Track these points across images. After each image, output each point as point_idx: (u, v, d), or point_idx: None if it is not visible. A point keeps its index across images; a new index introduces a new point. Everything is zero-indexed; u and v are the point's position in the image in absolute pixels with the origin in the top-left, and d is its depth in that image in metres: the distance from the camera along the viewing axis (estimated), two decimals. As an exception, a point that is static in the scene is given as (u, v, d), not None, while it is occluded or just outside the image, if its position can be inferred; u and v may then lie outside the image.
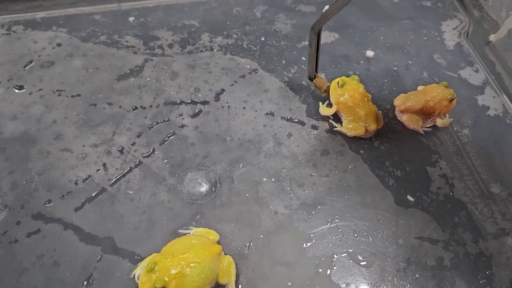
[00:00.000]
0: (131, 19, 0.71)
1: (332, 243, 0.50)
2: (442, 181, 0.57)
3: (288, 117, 0.61)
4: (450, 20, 0.76)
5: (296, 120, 0.61)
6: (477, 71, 0.69)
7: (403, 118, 0.61)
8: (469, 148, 0.60)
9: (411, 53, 0.70)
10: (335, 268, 0.49)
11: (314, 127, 0.60)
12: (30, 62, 0.64)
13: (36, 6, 0.71)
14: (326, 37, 0.71)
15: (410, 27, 0.74)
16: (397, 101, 0.63)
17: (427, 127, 0.61)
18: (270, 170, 0.56)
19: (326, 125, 0.60)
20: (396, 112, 0.63)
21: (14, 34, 0.67)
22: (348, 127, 0.59)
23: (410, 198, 0.55)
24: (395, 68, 0.68)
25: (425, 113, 0.60)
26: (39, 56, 0.65)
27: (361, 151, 0.58)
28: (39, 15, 0.70)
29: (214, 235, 0.49)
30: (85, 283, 0.46)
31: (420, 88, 0.63)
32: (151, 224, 0.50)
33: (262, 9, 0.74)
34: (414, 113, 0.60)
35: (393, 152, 0.59)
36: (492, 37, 0.73)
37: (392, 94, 0.65)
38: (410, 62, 0.69)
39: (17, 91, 0.61)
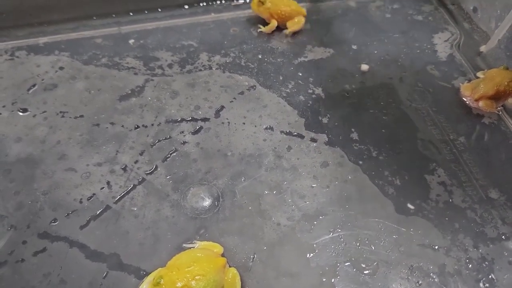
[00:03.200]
0: (131, 41, 0.73)
1: (335, 253, 0.51)
2: (441, 188, 0.58)
3: (287, 131, 0.62)
4: (442, 32, 0.78)
5: (295, 133, 0.62)
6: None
7: (480, 104, 0.66)
8: (466, 156, 0.61)
9: (405, 65, 0.72)
10: (339, 277, 0.49)
11: (313, 140, 0.61)
12: (34, 85, 0.66)
13: (38, 31, 0.73)
14: (322, 52, 0.73)
15: (403, 40, 0.76)
16: (467, 91, 0.68)
17: (499, 107, 0.67)
18: (272, 183, 0.57)
19: (325, 137, 0.62)
20: (468, 101, 0.67)
21: (18, 59, 0.69)
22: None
23: (410, 206, 0.55)
24: (390, 81, 0.70)
25: (497, 96, 0.65)
26: (42, 79, 0.66)
27: (360, 162, 0.59)
28: (42, 40, 0.72)
29: (218, 248, 0.50)
30: (92, 299, 0.47)
31: (480, 74, 0.70)
32: (156, 240, 0.51)
33: (258, 28, 0.76)
34: (488, 99, 0.65)
35: (391, 161, 0.60)
36: (483, 48, 0.75)
37: (388, 105, 0.66)
38: (404, 74, 0.71)
39: (21, 114, 0.62)
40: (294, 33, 0.75)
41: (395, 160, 0.60)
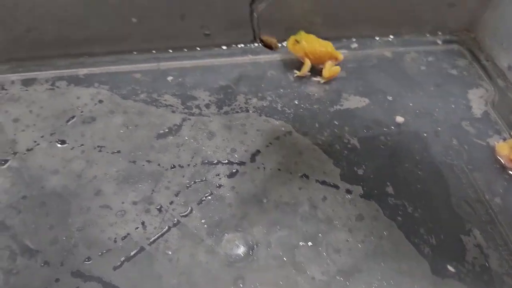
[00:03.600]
0: (169, 78, 0.74)
1: (371, 313, 0.50)
2: (477, 250, 0.57)
3: (322, 180, 0.62)
4: (476, 88, 0.79)
5: (330, 183, 0.62)
6: (505, 139, 0.70)
7: None
8: (501, 217, 0.60)
9: (440, 120, 0.72)
10: None
11: (348, 191, 0.61)
12: (73, 117, 0.66)
13: (79, 63, 0.75)
14: (357, 101, 0.73)
15: (438, 94, 0.76)
16: (502, 151, 0.67)
17: None
18: (306, 233, 0.56)
19: (360, 190, 0.61)
20: (503, 160, 0.67)
21: (58, 90, 0.70)
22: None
23: (447, 267, 0.55)
24: (425, 135, 0.69)
25: None
26: (82, 111, 0.67)
27: (396, 217, 0.59)
28: (82, 71, 0.73)
29: (253, 300, 0.49)
30: None
31: None
32: (189, 287, 0.50)
33: (294, 73, 0.77)
34: None
35: (427, 219, 0.59)
36: (517, 106, 0.75)
37: (423, 159, 0.66)
38: (439, 128, 0.71)
39: (59, 145, 0.63)
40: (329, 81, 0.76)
41: (431, 218, 0.59)
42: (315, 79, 0.76)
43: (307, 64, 0.75)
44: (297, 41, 0.75)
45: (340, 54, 0.77)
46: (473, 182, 0.64)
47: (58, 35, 0.73)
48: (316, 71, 0.77)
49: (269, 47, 0.71)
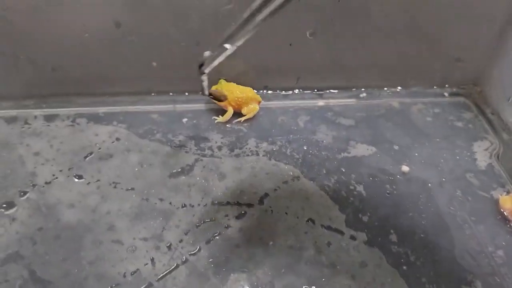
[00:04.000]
0: (184, 120, 0.77)
1: None
2: (478, 303, 0.57)
3: (328, 226, 0.64)
4: (481, 141, 0.81)
5: (335, 229, 0.63)
6: (508, 192, 0.71)
7: None
8: (504, 270, 0.61)
9: (445, 171, 0.74)
10: None
11: (352, 238, 0.62)
12: (91, 153, 0.69)
13: (100, 101, 0.79)
14: (365, 149, 0.76)
15: (443, 145, 0.79)
16: (506, 204, 0.69)
17: None
18: (310, 278, 0.57)
19: (364, 236, 0.63)
20: (506, 213, 0.68)
21: (78, 126, 0.74)
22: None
23: (447, 319, 0.55)
24: (429, 185, 0.71)
25: None
26: (99, 148, 0.70)
27: (398, 266, 0.60)
28: (102, 110, 0.77)
29: None
30: None
31: None
32: (194, 325, 0.52)
33: (305, 119, 0.80)
34: None
35: (429, 268, 0.60)
36: (522, 161, 0.77)
37: (427, 209, 0.67)
38: (444, 179, 0.72)
39: (76, 180, 0.66)
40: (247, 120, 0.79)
41: (433, 267, 0.60)
42: (236, 120, 0.79)
43: (230, 112, 0.77)
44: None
45: (259, 97, 0.79)
46: (476, 234, 0.65)
47: (81, 74, 0.77)
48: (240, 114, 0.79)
49: (218, 99, 0.75)
